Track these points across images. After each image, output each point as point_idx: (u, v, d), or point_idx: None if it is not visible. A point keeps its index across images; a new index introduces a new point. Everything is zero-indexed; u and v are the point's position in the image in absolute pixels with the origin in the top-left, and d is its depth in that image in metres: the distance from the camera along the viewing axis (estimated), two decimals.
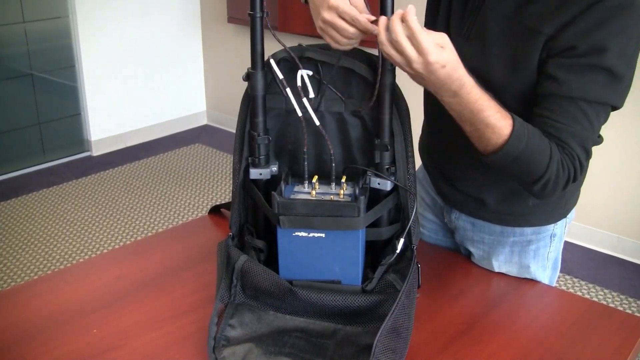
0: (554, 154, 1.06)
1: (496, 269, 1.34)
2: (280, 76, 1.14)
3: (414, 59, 0.92)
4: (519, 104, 1.13)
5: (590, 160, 1.28)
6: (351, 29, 1.00)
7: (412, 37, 0.91)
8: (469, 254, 1.39)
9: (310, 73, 1.14)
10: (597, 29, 1.03)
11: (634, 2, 1.03)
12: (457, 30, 1.19)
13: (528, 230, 1.31)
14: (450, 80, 0.96)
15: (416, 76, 0.97)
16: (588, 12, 1.03)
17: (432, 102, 1.30)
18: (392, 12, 1.05)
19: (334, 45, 1.05)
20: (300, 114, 1.15)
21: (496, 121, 1.02)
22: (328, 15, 1.00)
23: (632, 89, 1.11)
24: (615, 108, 1.10)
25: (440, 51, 0.93)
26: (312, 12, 1.07)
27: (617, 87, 1.07)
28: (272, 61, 1.14)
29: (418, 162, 1.42)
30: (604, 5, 1.02)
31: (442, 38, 0.94)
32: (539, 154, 1.05)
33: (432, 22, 1.27)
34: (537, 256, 1.32)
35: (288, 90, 1.15)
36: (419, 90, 1.19)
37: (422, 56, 0.92)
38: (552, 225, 1.31)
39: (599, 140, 1.18)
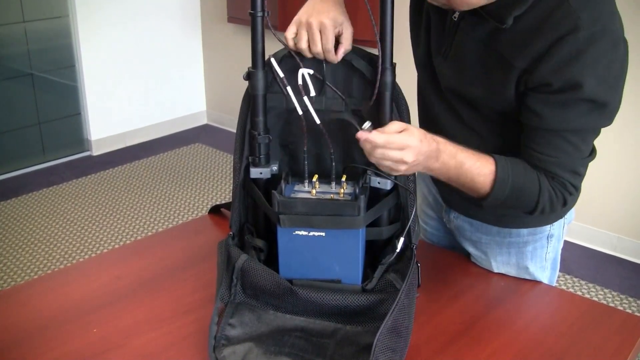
0: (543, 186, 1.10)
1: (495, 270, 1.34)
2: (281, 75, 1.14)
3: (397, 158, 1.00)
4: (498, 116, 1.15)
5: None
6: (319, 49, 1.09)
7: (388, 146, 0.99)
8: (469, 254, 1.39)
9: (311, 72, 1.14)
10: (570, 64, 0.99)
11: (607, 31, 0.99)
12: (436, 49, 1.19)
13: (524, 231, 1.30)
14: (429, 149, 1.03)
15: (412, 168, 1.04)
16: (559, 45, 0.99)
17: (424, 109, 1.31)
18: (392, 12, 1.06)
19: (297, 43, 1.11)
20: (300, 112, 1.15)
21: (479, 170, 1.08)
22: (314, 24, 1.08)
23: (630, 90, 1.10)
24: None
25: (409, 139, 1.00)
26: (305, 5, 1.13)
27: (602, 113, 1.05)
28: (273, 60, 1.14)
29: None
30: (574, 37, 0.98)
31: (400, 125, 1.02)
32: (527, 191, 1.10)
33: (415, 38, 1.28)
34: (535, 257, 1.32)
35: (289, 89, 1.14)
36: None
37: (404, 151, 1.00)
38: (549, 226, 1.30)
39: (589, 158, 1.17)
